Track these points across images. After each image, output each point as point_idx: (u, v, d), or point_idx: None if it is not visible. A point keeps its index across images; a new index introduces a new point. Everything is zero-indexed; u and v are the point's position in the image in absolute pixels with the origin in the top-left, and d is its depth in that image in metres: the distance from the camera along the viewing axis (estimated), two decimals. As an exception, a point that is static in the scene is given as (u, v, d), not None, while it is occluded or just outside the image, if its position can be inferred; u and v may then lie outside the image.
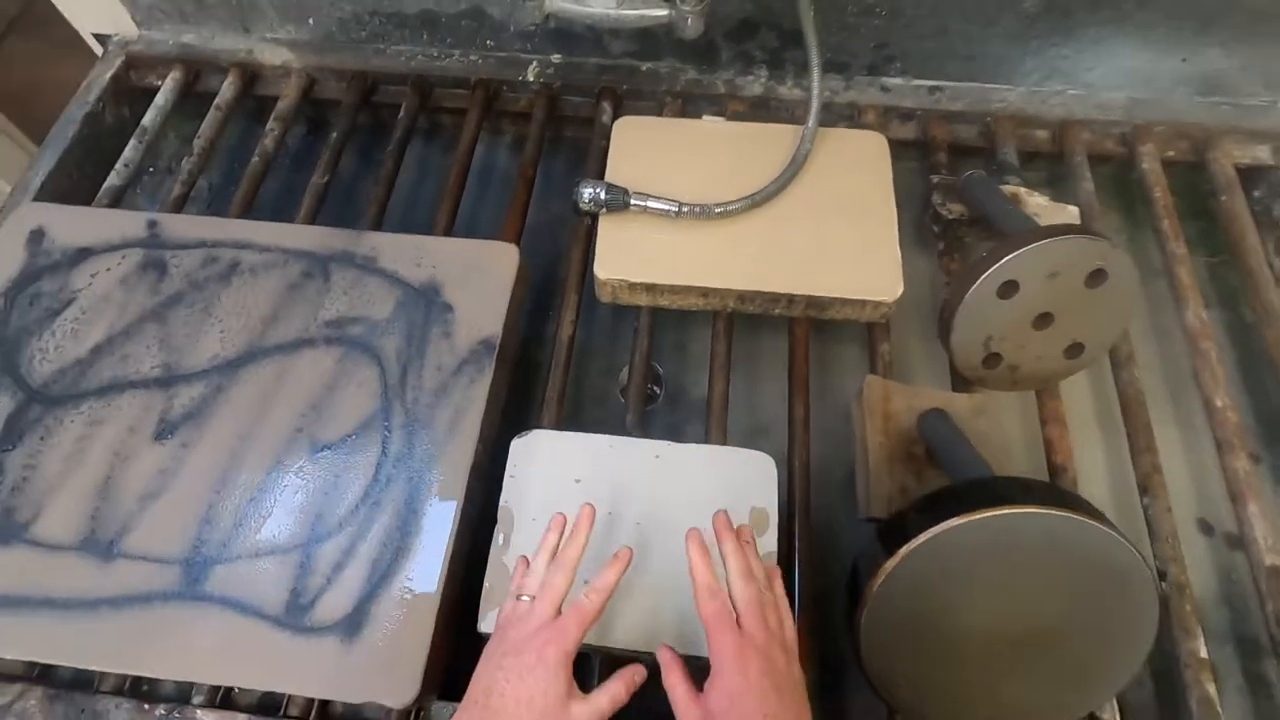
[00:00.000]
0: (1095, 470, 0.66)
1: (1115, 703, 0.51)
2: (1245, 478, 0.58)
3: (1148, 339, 0.72)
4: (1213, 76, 0.76)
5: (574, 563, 0.45)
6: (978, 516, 0.42)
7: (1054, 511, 0.42)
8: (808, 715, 0.41)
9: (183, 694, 0.53)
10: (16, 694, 0.52)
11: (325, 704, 0.52)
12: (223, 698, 0.53)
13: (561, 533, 0.47)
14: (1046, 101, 0.78)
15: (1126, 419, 0.62)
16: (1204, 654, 0.52)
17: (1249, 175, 0.76)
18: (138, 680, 0.54)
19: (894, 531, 0.46)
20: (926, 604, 0.45)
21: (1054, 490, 0.45)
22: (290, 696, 0.52)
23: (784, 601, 0.46)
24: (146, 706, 0.52)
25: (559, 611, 0.44)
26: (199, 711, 0.52)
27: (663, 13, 0.64)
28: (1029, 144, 0.78)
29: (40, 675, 0.54)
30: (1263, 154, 0.76)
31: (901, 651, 0.46)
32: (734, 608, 0.44)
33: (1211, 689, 0.51)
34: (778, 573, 0.48)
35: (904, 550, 0.43)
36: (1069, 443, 0.60)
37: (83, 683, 0.54)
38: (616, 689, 0.43)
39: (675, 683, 0.43)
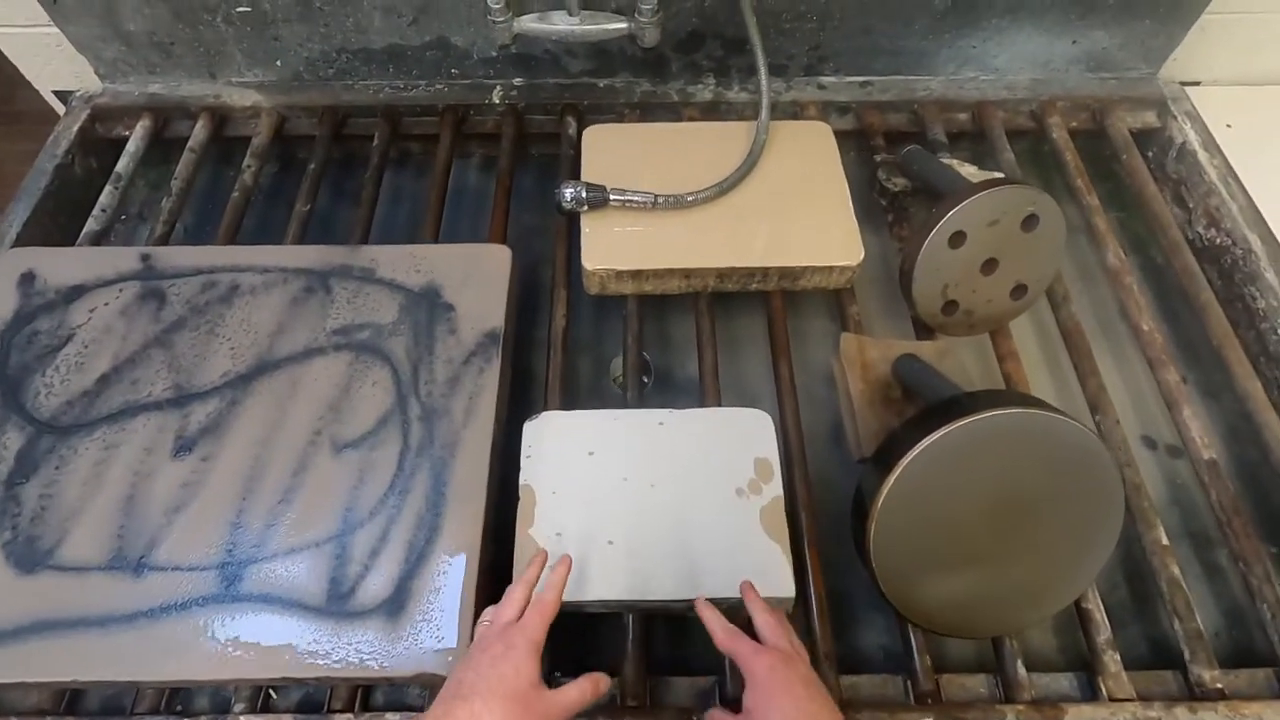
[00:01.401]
0: (1047, 398, 0.72)
1: (1097, 594, 0.57)
2: (1177, 387, 0.66)
3: (1073, 286, 0.81)
4: (1099, 55, 0.86)
5: (533, 581, 0.48)
6: (961, 423, 0.48)
7: (1026, 410, 0.48)
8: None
9: (222, 704, 0.54)
10: (47, 728, 0.52)
11: (368, 694, 0.54)
12: (264, 702, 0.54)
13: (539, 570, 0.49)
14: (963, 87, 0.88)
15: (1070, 349, 0.69)
16: (1165, 541, 0.59)
17: (1141, 137, 0.87)
18: (173, 697, 0.54)
19: (889, 451, 0.51)
20: (925, 510, 0.50)
21: (1020, 395, 0.51)
22: (332, 692, 0.53)
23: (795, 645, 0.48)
24: (188, 720, 0.52)
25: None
26: (242, 718, 0.52)
27: (623, 25, 0.70)
28: (952, 125, 0.87)
29: (69, 707, 0.54)
30: (1150, 118, 0.87)
31: (908, 559, 0.50)
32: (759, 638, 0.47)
33: (1176, 570, 0.58)
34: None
35: (903, 461, 0.48)
36: (1025, 374, 0.67)
37: (116, 707, 0.54)
38: (584, 687, 0.45)
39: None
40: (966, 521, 0.50)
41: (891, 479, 0.48)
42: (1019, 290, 0.67)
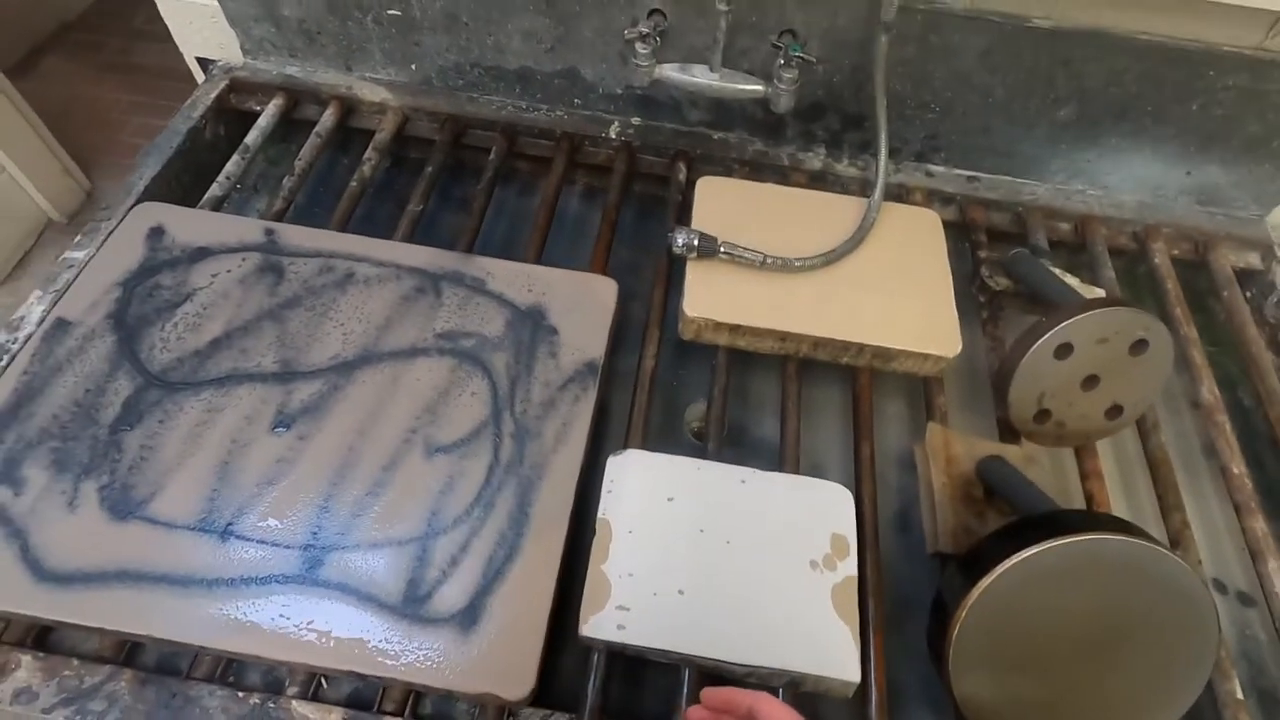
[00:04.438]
0: (1124, 526, 0.71)
1: (1163, 737, 0.55)
2: (1264, 537, 0.64)
3: (1160, 414, 0.80)
4: (1211, 189, 0.87)
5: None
6: (1063, 541, 0.47)
7: (1132, 539, 0.47)
8: None
9: (275, 684, 0.54)
10: (106, 675, 0.52)
11: (418, 701, 0.53)
12: (315, 690, 0.54)
13: None
14: (1070, 198, 0.89)
15: (1156, 479, 0.68)
16: (1240, 695, 0.57)
17: (1242, 277, 0.87)
18: (228, 667, 0.54)
19: (979, 559, 0.50)
20: (1009, 623, 0.49)
21: (1121, 521, 0.51)
22: (384, 691, 0.53)
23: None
24: (240, 694, 0.52)
25: None
26: (294, 702, 0.52)
27: (759, 88, 0.72)
28: (1054, 233, 0.88)
29: (128, 658, 0.54)
30: (1254, 260, 0.87)
31: (984, 669, 0.50)
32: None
33: (1249, 727, 0.56)
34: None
35: (996, 570, 0.48)
36: (1108, 496, 0.66)
37: (173, 668, 0.54)
38: None
39: None
40: (1049, 641, 0.49)
41: (983, 585, 0.48)
42: (1114, 411, 0.66)
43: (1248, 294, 0.86)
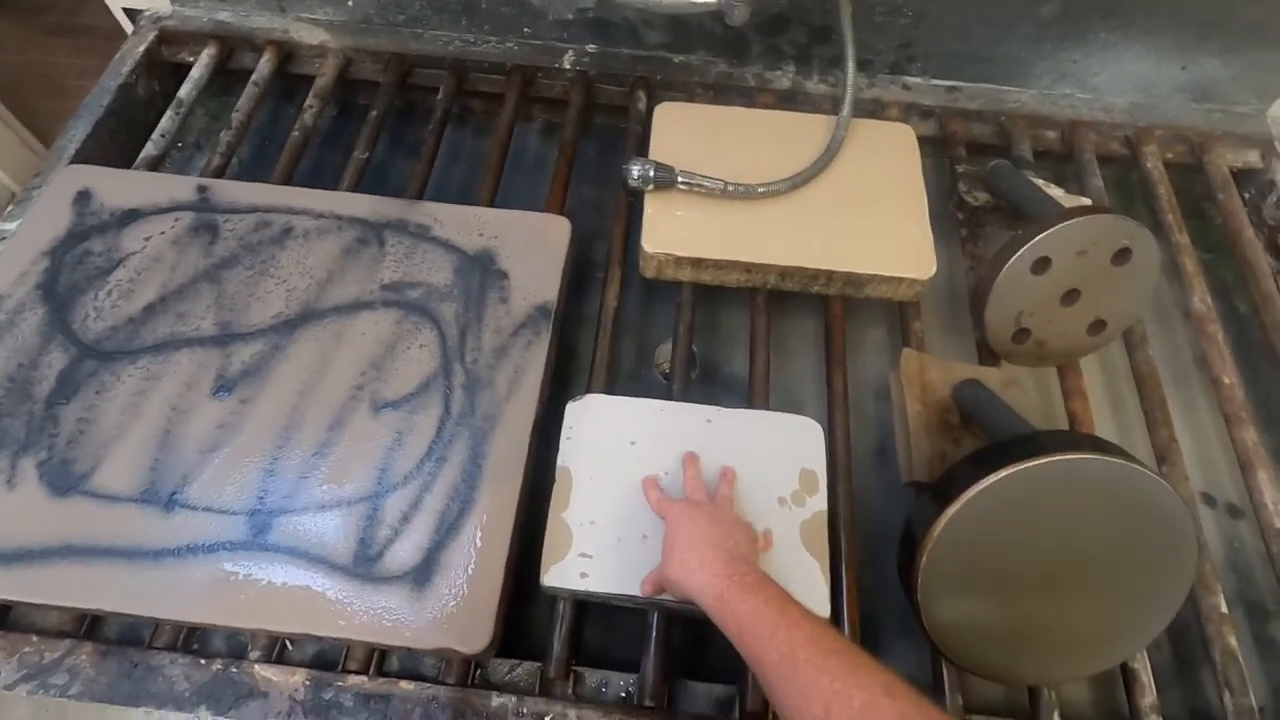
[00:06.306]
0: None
1: (1146, 655, 0.54)
2: (1254, 447, 0.62)
3: (1148, 326, 0.77)
4: (1208, 85, 0.81)
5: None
6: (1031, 464, 0.45)
7: (1105, 458, 0.45)
8: (747, 532, 0.50)
9: (239, 649, 0.53)
10: (66, 649, 0.52)
11: (383, 658, 0.53)
12: (279, 653, 0.53)
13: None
14: (1056, 104, 0.83)
15: (1143, 395, 0.66)
16: (1224, 609, 0.56)
17: (1240, 177, 0.82)
18: (190, 635, 0.53)
19: (949, 485, 0.48)
20: (980, 549, 0.47)
21: (1096, 439, 0.48)
22: (348, 651, 0.52)
23: (726, 492, 0.54)
24: (203, 661, 0.51)
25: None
26: (256, 666, 0.51)
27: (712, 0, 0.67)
28: (1040, 143, 0.83)
29: (89, 631, 0.54)
30: (1253, 158, 0.82)
31: (955, 597, 0.48)
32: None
33: (1233, 640, 0.55)
34: (732, 476, 0.55)
35: (964, 497, 0.45)
36: (1091, 415, 0.64)
37: (133, 639, 0.54)
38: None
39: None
40: (1022, 565, 0.48)
41: (949, 513, 0.46)
42: (1097, 326, 0.63)
43: (1245, 195, 0.82)
